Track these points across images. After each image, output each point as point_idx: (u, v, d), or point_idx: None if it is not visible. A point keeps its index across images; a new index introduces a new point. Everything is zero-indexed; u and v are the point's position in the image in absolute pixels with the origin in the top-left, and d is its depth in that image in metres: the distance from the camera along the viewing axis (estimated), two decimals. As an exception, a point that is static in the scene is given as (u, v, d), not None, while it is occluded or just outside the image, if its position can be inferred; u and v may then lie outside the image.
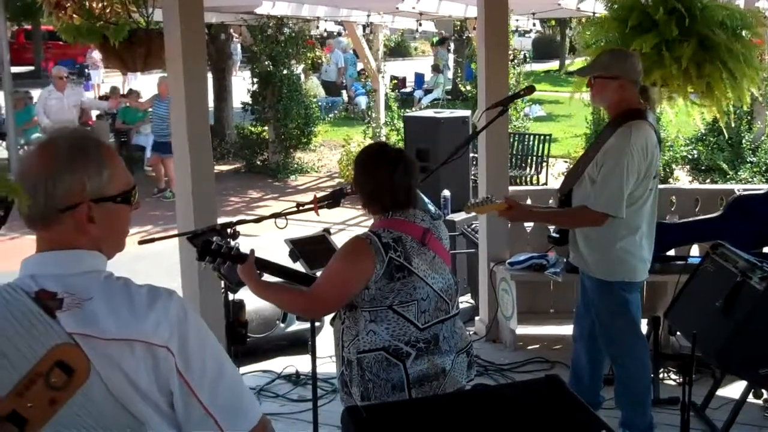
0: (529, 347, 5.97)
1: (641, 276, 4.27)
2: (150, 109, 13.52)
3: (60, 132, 1.81)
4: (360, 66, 21.54)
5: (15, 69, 18.61)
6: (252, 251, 3.22)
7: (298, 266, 3.74)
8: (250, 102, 14.73)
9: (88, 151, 1.76)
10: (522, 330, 5.99)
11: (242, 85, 15.86)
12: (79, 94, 13.74)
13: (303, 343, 5.82)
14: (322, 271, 3.16)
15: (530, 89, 4.54)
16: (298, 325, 6.17)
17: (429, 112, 10.21)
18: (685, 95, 5.32)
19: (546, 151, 12.60)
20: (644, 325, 5.04)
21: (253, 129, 15.26)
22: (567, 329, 4.85)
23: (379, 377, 3.00)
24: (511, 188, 6.35)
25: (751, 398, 4.58)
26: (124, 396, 1.65)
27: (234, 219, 3.54)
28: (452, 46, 24.82)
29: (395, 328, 3.00)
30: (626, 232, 4.15)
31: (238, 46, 25.14)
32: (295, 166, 14.72)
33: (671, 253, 5.98)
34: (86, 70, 26.89)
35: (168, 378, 1.69)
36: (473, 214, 5.28)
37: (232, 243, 3.22)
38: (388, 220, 3.07)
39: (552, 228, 4.75)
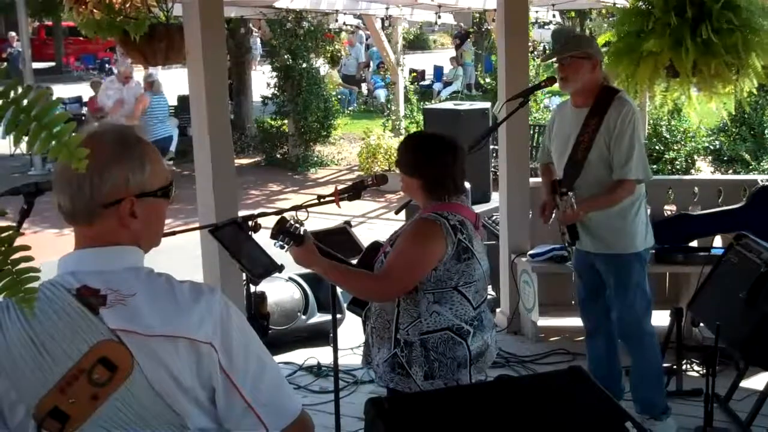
0: (551, 339, 5.95)
1: (654, 240, 4.42)
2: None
3: (102, 127, 1.79)
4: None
5: (36, 65, 18.76)
6: (306, 232, 3.11)
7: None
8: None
9: (131, 146, 1.75)
10: (543, 322, 5.97)
11: (262, 79, 15.87)
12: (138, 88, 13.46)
13: (324, 335, 5.84)
14: (391, 254, 3.13)
15: (551, 80, 4.50)
16: (319, 317, 6.19)
17: (449, 105, 10.17)
18: (729, 84, 5.17)
19: (566, 143, 12.48)
20: (667, 317, 5.02)
21: (273, 122, 15.30)
22: (589, 321, 4.83)
23: (446, 356, 3.09)
24: (532, 180, 6.31)
25: (775, 390, 4.54)
26: (166, 391, 1.65)
27: (255, 212, 3.54)
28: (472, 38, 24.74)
29: (458, 308, 3.11)
30: (639, 201, 4.28)
31: (258, 40, 25.20)
32: (315, 159, 14.75)
33: (694, 244, 5.95)
34: (107, 66, 27.06)
35: (210, 374, 1.70)
36: (496, 205, 5.26)
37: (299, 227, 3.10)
38: (447, 204, 3.15)
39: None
